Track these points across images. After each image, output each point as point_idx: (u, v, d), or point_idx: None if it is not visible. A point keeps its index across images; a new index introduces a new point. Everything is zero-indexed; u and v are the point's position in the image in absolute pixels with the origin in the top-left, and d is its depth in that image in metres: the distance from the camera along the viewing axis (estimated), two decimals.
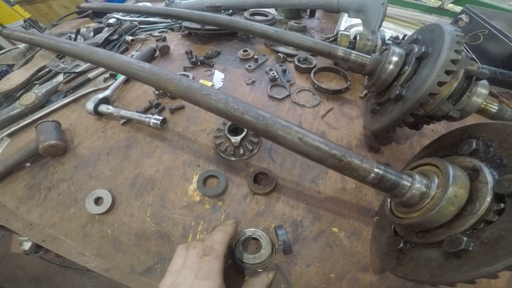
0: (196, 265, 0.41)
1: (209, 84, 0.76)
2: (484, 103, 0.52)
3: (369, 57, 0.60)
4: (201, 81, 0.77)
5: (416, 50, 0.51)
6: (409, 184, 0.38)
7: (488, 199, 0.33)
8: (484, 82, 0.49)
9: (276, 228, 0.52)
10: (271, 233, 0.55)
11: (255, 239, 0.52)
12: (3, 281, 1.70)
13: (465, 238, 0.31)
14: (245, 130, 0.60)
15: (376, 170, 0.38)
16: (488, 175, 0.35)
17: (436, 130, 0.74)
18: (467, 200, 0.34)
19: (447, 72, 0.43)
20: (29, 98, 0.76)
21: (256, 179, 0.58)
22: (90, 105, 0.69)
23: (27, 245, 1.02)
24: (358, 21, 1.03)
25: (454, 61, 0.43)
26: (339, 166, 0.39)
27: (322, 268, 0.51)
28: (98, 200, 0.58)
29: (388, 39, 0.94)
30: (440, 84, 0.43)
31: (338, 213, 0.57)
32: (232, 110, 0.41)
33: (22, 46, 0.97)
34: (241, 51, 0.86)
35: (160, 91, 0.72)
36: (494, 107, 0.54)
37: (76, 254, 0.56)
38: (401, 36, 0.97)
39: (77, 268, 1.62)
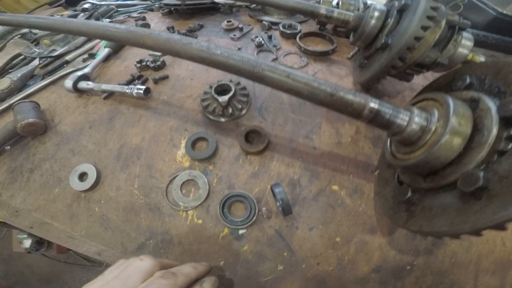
0: (137, 279, 0.32)
1: None
2: (471, 54, 0.55)
3: (351, 13, 0.61)
4: None
5: (396, 4, 0.52)
6: (407, 118, 0.35)
7: (495, 125, 0.30)
8: (468, 34, 0.52)
9: (272, 187, 0.49)
10: (268, 195, 0.52)
11: (192, 180, 0.51)
12: (13, 283, 1.69)
13: (481, 173, 0.27)
14: (233, 89, 0.58)
15: (371, 104, 0.36)
16: (489, 102, 0.33)
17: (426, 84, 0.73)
18: (472, 131, 0.32)
19: (429, 18, 0.44)
20: (3, 83, 0.72)
21: (247, 139, 0.55)
22: (69, 83, 0.66)
23: (27, 243, 0.99)
24: None
25: (433, 8, 0.44)
26: (332, 102, 0.37)
27: (326, 231, 0.49)
28: (82, 176, 0.56)
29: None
30: (424, 28, 0.44)
31: (336, 169, 0.55)
32: (215, 56, 0.39)
33: None
34: (225, 21, 0.84)
35: (142, 64, 0.69)
36: (481, 58, 0.58)
37: (65, 239, 0.54)
38: None
39: (82, 264, 1.64)
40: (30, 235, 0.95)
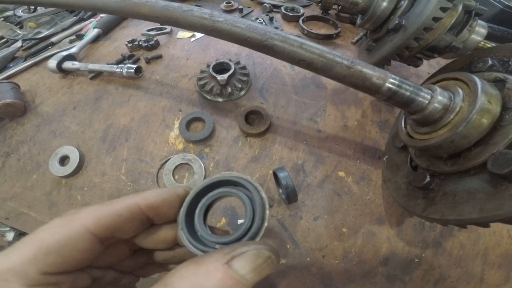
0: None
1: (189, 34, 0.69)
2: (483, 42, 0.54)
3: None
4: (180, 32, 0.70)
5: None
6: (429, 96, 0.32)
7: None
8: (483, 22, 0.51)
9: (276, 171, 0.44)
10: (270, 181, 0.48)
11: (186, 164, 0.47)
12: None
13: None
14: (233, 67, 0.54)
15: (391, 80, 0.33)
16: None
17: (432, 73, 0.71)
18: (501, 109, 0.29)
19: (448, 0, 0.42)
20: None
21: (247, 121, 0.51)
22: (52, 63, 0.60)
23: (10, 236, 0.93)
24: None
25: None
26: (348, 75, 0.34)
27: (332, 221, 0.45)
28: (64, 160, 0.50)
29: None
30: (442, 9, 0.42)
31: (342, 154, 0.51)
32: (218, 23, 0.36)
33: None
34: (224, 2, 0.80)
35: (134, 43, 0.65)
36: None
37: None
38: None
39: None
40: (13, 227, 0.89)
